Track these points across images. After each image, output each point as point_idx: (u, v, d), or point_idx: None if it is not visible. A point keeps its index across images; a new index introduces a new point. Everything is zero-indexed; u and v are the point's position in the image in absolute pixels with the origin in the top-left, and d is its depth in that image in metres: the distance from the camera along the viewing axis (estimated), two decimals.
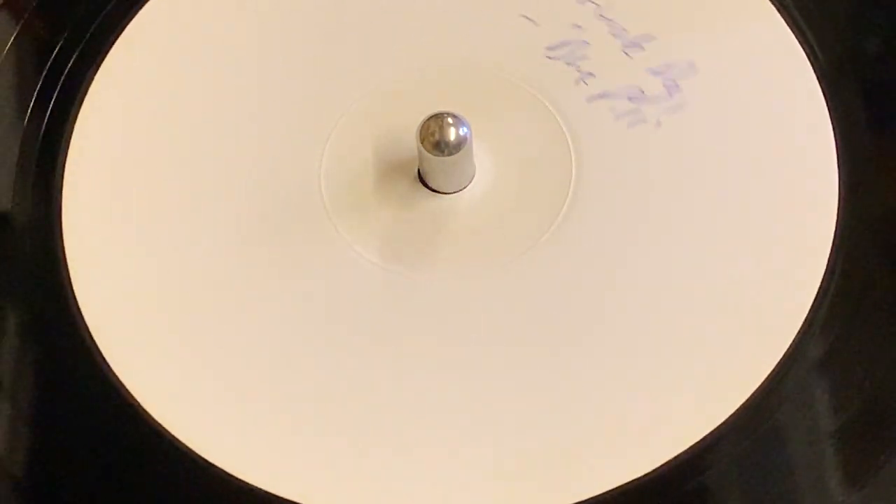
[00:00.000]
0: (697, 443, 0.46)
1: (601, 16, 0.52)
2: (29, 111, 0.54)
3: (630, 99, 0.52)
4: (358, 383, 0.48)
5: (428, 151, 0.48)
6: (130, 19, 0.55)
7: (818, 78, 0.52)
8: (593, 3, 0.52)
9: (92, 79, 0.54)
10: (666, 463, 0.46)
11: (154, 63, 0.54)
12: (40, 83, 0.54)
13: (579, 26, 0.52)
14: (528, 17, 0.51)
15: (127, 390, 0.48)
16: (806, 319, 0.48)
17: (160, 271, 0.50)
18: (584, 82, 0.51)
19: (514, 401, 0.47)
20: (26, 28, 0.56)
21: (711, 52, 0.53)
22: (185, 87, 0.54)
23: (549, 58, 0.52)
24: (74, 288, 0.50)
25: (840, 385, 0.47)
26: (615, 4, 0.53)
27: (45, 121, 0.53)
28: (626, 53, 0.52)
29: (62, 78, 0.54)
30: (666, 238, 0.50)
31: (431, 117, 0.48)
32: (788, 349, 0.47)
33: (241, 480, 0.47)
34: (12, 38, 0.55)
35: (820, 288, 0.48)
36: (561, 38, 0.52)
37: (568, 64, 0.51)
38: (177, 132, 0.53)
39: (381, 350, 0.48)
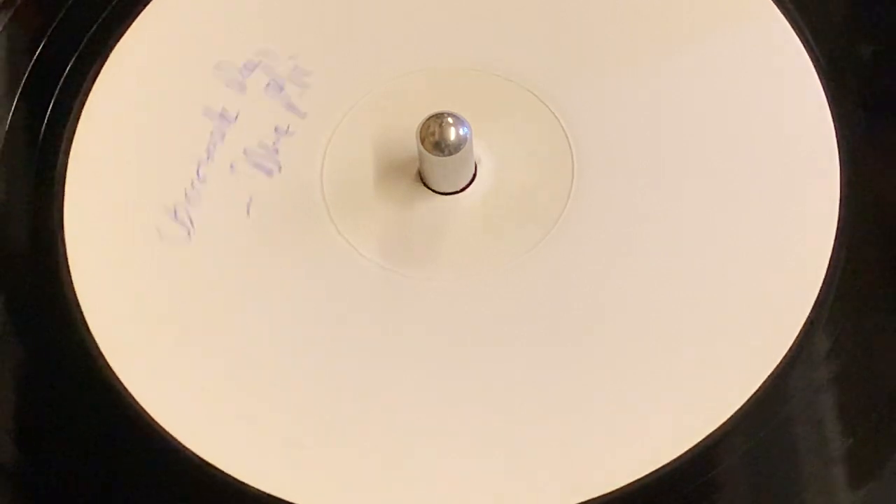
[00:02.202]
0: (702, 441, 0.46)
1: None
2: (30, 111, 0.54)
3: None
4: (358, 383, 0.48)
5: (428, 151, 0.48)
6: (133, 19, 0.55)
7: (819, 77, 0.52)
8: None
9: (94, 79, 0.54)
10: (671, 462, 0.46)
11: (155, 63, 0.54)
12: (41, 83, 0.54)
13: None
14: None
15: (127, 390, 0.48)
16: (809, 317, 0.48)
17: (160, 270, 0.50)
18: None
19: (514, 400, 0.47)
20: (27, 28, 0.56)
21: (713, 51, 0.53)
22: (186, 88, 0.54)
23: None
24: (75, 288, 0.50)
25: (845, 380, 0.47)
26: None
27: (46, 121, 0.53)
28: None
29: (63, 78, 0.54)
30: (667, 237, 0.50)
31: (431, 117, 0.48)
32: (792, 346, 0.47)
33: (240, 480, 0.47)
34: (12, 38, 0.55)
35: (823, 284, 0.48)
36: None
37: None
38: (177, 132, 0.53)
39: (381, 349, 0.48)
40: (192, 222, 0.51)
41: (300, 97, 0.53)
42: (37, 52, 0.55)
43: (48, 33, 0.55)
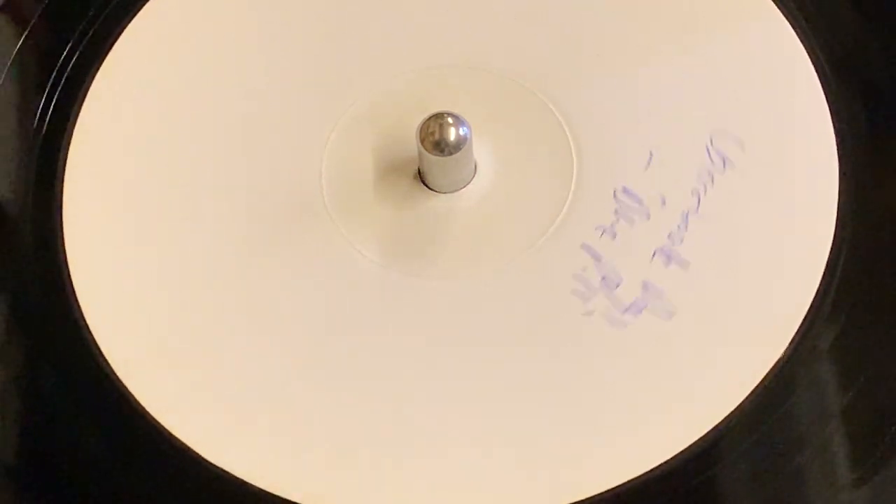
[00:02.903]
0: (701, 438, 0.46)
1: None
2: (30, 111, 0.54)
3: None
4: (358, 382, 0.48)
5: (428, 151, 0.48)
6: (131, 19, 0.55)
7: (819, 77, 0.52)
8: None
9: (93, 79, 0.54)
10: (670, 459, 0.46)
11: (154, 63, 0.54)
12: (42, 83, 0.54)
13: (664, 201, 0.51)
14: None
15: (127, 390, 0.48)
16: (808, 315, 0.48)
17: (160, 271, 0.50)
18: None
19: (514, 400, 0.47)
20: (29, 29, 0.56)
21: (713, 51, 0.53)
22: (186, 88, 0.54)
23: (616, 196, 0.51)
24: (75, 288, 0.50)
25: (844, 378, 0.47)
26: None
27: (46, 121, 0.53)
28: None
29: (63, 78, 0.54)
30: (666, 237, 0.50)
31: (431, 117, 0.48)
32: (791, 344, 0.47)
33: (241, 480, 0.47)
34: (13, 39, 0.55)
35: (822, 282, 0.48)
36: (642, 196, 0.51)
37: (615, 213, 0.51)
38: (177, 132, 0.53)
39: (380, 349, 0.48)
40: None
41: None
42: (36, 53, 0.55)
43: (47, 34, 0.55)
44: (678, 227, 0.50)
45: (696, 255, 0.49)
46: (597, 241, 0.50)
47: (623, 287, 0.49)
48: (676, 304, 0.48)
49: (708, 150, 0.51)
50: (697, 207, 0.50)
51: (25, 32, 0.55)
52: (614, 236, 0.50)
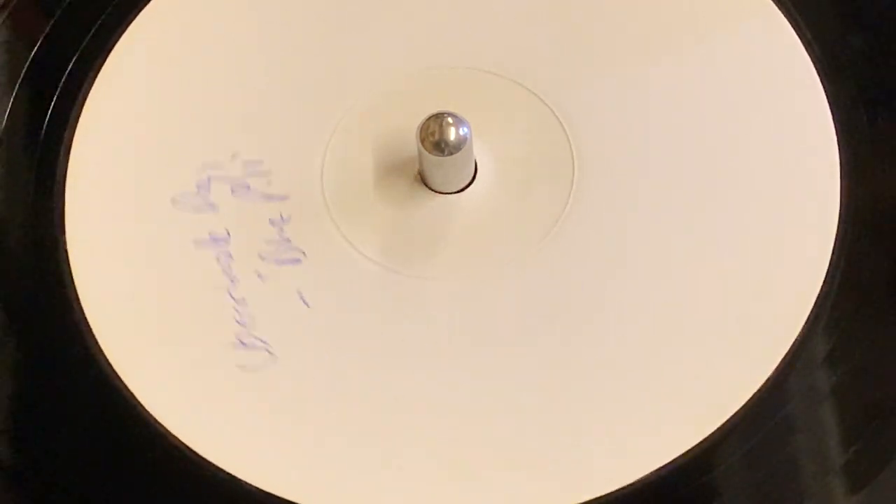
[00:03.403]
0: (701, 442, 0.46)
1: None
2: (30, 111, 0.54)
3: None
4: (358, 382, 0.48)
5: (428, 151, 0.48)
6: (132, 19, 0.55)
7: (819, 77, 0.52)
8: None
9: (94, 79, 0.54)
10: (669, 463, 0.46)
11: (155, 64, 0.54)
12: (42, 83, 0.54)
13: None
14: None
15: (128, 389, 0.48)
16: (808, 318, 0.48)
17: (161, 271, 0.50)
18: None
19: (514, 400, 0.47)
20: (27, 29, 0.56)
21: (713, 51, 0.53)
22: (186, 88, 0.54)
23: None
24: (76, 288, 0.50)
25: (844, 383, 0.47)
26: None
27: (47, 121, 0.53)
28: None
29: (63, 78, 0.54)
30: (667, 237, 0.50)
31: (431, 117, 0.48)
32: (791, 348, 0.47)
33: (241, 480, 0.47)
34: (13, 39, 0.56)
35: (822, 286, 0.48)
36: None
37: None
38: (177, 132, 0.53)
39: (380, 349, 0.48)
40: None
41: (269, 184, 0.52)
42: (35, 54, 0.55)
43: (47, 34, 0.55)
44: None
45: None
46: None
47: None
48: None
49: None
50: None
51: (25, 32, 0.55)
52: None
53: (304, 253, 0.50)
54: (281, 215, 0.51)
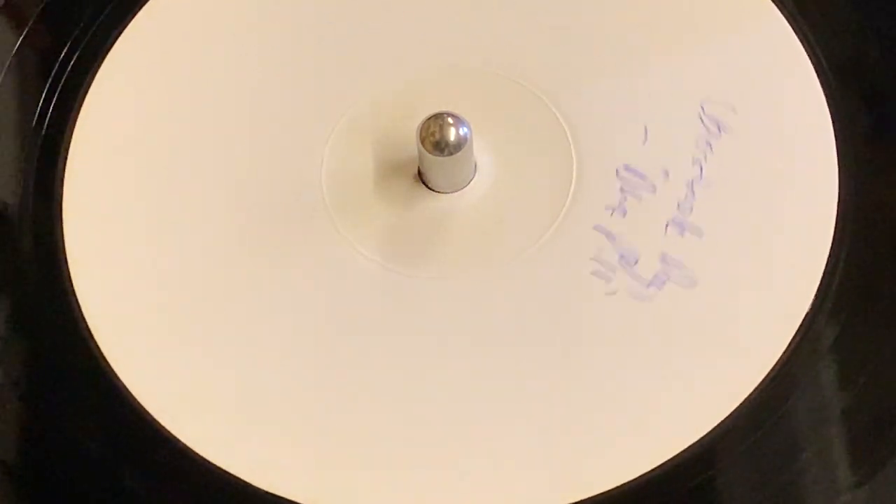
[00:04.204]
0: (701, 438, 0.46)
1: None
2: (30, 111, 0.54)
3: None
4: (358, 381, 0.48)
5: (428, 151, 0.48)
6: (131, 19, 0.55)
7: (819, 77, 0.52)
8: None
9: (93, 79, 0.54)
10: (671, 458, 0.46)
11: (154, 63, 0.54)
12: (42, 83, 0.54)
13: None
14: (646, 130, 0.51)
15: (127, 389, 0.48)
16: (808, 314, 0.48)
17: (160, 270, 0.50)
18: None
19: (514, 400, 0.47)
20: (29, 29, 0.56)
21: (713, 51, 0.53)
22: (186, 87, 0.54)
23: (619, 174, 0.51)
24: (75, 287, 0.50)
25: (844, 378, 0.47)
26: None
27: (47, 120, 0.53)
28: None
29: (63, 78, 0.54)
30: (667, 237, 0.50)
31: (431, 117, 0.48)
32: (791, 343, 0.47)
33: (241, 480, 0.47)
34: (13, 39, 0.56)
35: (822, 282, 0.48)
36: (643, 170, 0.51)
37: (622, 190, 0.51)
38: (177, 132, 0.53)
39: (381, 349, 0.48)
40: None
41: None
42: (35, 54, 0.55)
43: (46, 34, 0.55)
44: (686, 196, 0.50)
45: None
46: (608, 221, 0.50)
47: (642, 262, 0.49)
48: (697, 273, 0.49)
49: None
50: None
51: (25, 32, 0.55)
52: (624, 214, 0.50)
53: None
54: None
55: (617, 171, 0.51)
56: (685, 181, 0.50)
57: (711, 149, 0.51)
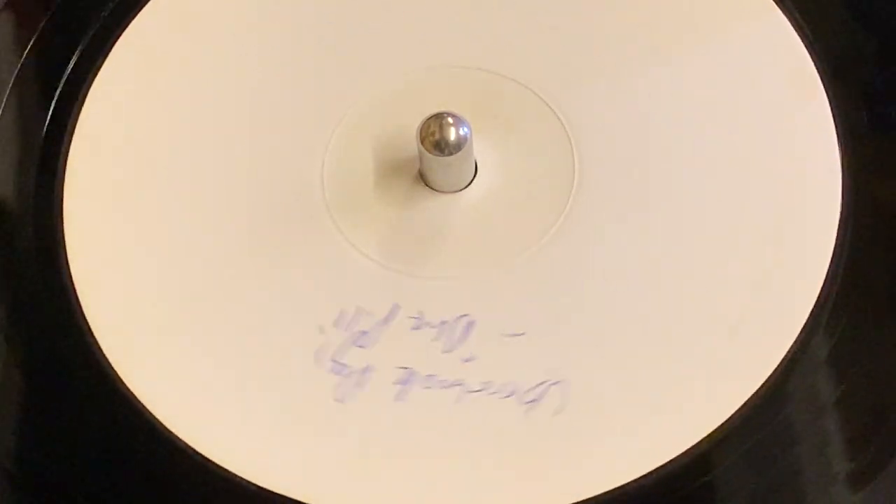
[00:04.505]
0: (701, 441, 0.46)
1: None
2: (30, 111, 0.54)
3: None
4: (358, 382, 0.48)
5: (428, 151, 0.48)
6: (132, 19, 0.55)
7: (819, 77, 0.52)
8: None
9: (93, 79, 0.54)
10: (669, 462, 0.46)
11: (155, 63, 0.54)
12: (42, 83, 0.54)
13: None
14: None
15: (127, 388, 0.48)
16: (809, 318, 0.48)
17: (161, 270, 0.50)
18: None
19: (514, 399, 0.47)
20: (28, 29, 0.56)
21: (713, 51, 0.53)
22: (186, 87, 0.54)
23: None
24: (75, 287, 0.50)
25: (845, 382, 0.47)
26: None
27: (47, 120, 0.53)
28: None
29: (64, 77, 0.54)
30: (668, 237, 0.50)
31: (431, 117, 0.48)
32: (792, 347, 0.47)
33: (241, 480, 0.47)
34: (14, 39, 0.56)
35: (823, 285, 0.48)
36: None
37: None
38: (177, 132, 0.53)
39: (380, 349, 0.48)
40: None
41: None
42: (34, 54, 0.55)
43: (46, 34, 0.55)
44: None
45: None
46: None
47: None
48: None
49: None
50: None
51: (25, 32, 0.55)
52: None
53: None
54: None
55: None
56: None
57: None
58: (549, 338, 0.48)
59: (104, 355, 0.49)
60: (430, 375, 0.48)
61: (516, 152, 0.52)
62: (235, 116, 0.53)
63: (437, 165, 0.49)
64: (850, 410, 0.47)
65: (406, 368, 0.48)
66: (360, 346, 0.48)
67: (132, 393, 0.48)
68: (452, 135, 0.48)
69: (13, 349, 0.50)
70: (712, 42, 0.53)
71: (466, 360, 0.48)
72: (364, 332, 0.49)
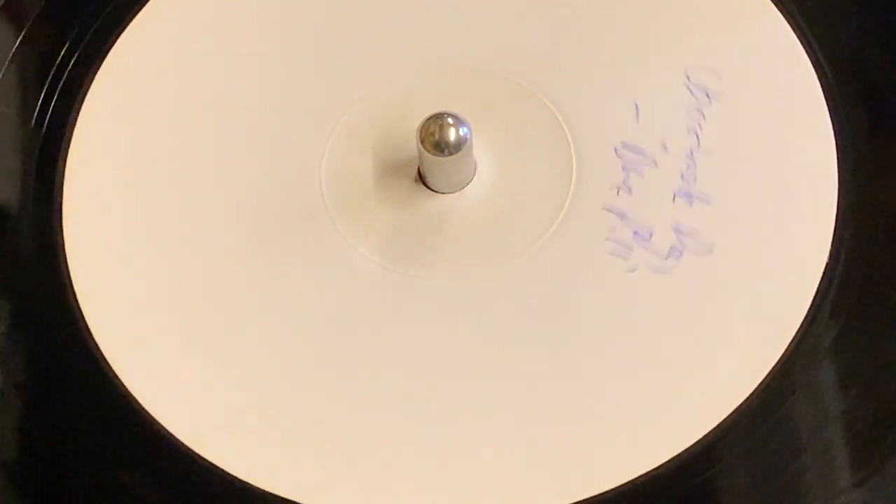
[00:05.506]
0: (702, 438, 0.46)
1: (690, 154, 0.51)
2: (30, 111, 0.54)
3: None
4: (358, 382, 0.48)
5: (428, 151, 0.48)
6: (131, 19, 0.55)
7: (819, 78, 0.52)
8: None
9: (93, 79, 0.54)
10: (672, 458, 0.46)
11: (154, 63, 0.54)
12: (41, 83, 0.54)
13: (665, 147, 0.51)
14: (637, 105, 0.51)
15: (127, 389, 0.48)
16: (808, 314, 0.48)
17: (160, 271, 0.50)
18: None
19: (514, 400, 0.47)
20: (28, 29, 0.56)
21: (713, 51, 0.53)
22: (186, 87, 0.54)
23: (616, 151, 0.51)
24: (74, 287, 0.50)
25: (844, 378, 0.47)
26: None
27: (47, 120, 0.53)
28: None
29: (63, 77, 0.54)
30: (667, 236, 0.50)
31: (431, 117, 0.48)
32: (791, 343, 0.47)
33: (241, 480, 0.47)
34: (12, 39, 0.56)
35: (822, 283, 0.48)
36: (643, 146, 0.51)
37: (623, 169, 0.51)
38: (177, 132, 0.53)
39: (380, 349, 0.48)
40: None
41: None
42: (34, 54, 0.55)
43: (46, 33, 0.55)
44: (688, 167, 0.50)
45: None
46: (616, 201, 0.50)
47: (656, 236, 0.49)
48: (713, 238, 0.49)
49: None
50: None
51: (24, 32, 0.55)
52: (630, 191, 0.50)
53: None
54: None
55: (615, 149, 0.51)
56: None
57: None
58: (549, 337, 0.48)
59: (104, 355, 0.49)
60: None
61: (516, 152, 0.52)
62: (235, 116, 0.53)
63: (437, 166, 0.49)
64: (850, 407, 0.47)
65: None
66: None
67: (132, 393, 0.48)
68: (452, 135, 0.48)
69: (13, 350, 0.49)
70: (712, 43, 0.53)
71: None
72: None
